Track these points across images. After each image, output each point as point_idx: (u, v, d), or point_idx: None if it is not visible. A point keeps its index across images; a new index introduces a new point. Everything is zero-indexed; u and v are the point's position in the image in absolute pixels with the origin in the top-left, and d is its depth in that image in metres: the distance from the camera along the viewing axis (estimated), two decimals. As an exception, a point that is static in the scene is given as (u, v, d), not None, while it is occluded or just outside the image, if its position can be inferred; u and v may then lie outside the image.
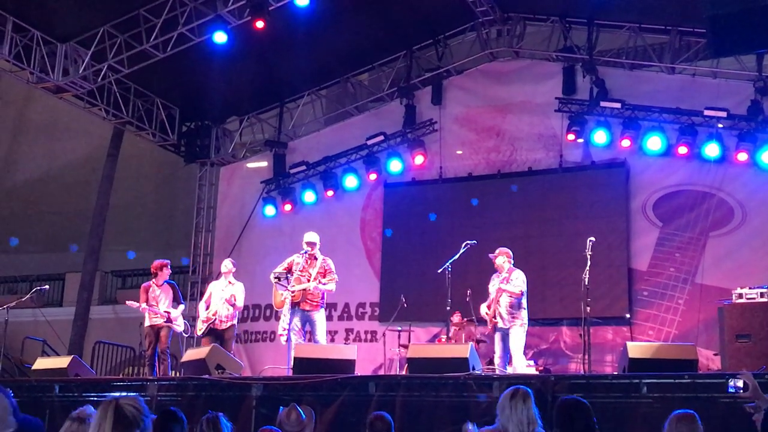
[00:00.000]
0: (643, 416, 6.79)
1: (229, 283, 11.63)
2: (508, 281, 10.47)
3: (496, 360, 10.58)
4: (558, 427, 5.04)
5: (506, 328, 10.43)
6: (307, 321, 10.67)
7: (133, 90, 15.29)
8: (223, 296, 11.48)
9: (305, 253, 10.74)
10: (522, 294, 10.48)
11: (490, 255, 10.77)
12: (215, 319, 11.39)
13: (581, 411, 5.05)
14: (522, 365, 10.34)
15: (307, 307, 10.59)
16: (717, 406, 6.59)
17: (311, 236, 10.89)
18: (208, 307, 11.55)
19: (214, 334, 11.37)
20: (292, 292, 10.52)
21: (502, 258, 10.66)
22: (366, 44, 15.29)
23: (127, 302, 12.23)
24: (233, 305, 11.45)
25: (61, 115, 21.53)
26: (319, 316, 10.71)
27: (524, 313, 10.52)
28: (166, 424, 4.39)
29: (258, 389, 8.89)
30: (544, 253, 13.59)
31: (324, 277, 10.64)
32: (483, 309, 10.75)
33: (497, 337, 10.58)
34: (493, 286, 10.67)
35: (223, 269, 11.83)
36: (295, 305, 10.54)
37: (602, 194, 13.70)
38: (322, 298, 10.76)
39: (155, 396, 9.35)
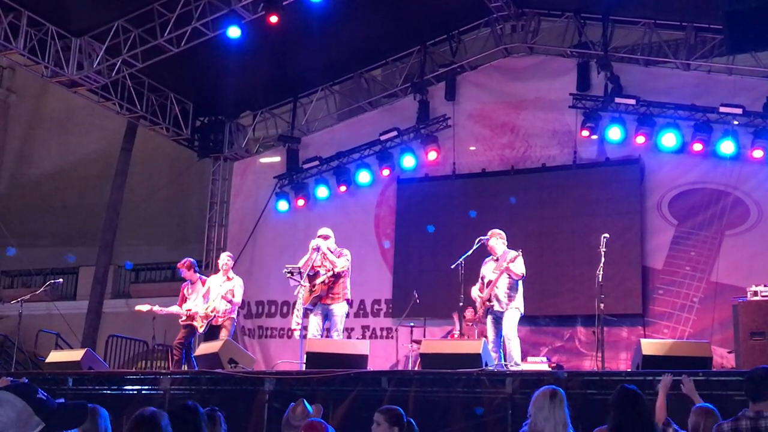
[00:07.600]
0: (657, 413, 6.74)
1: (228, 278, 11.41)
2: (513, 261, 9.97)
3: (489, 345, 9.91)
4: (615, 411, 5.21)
5: (501, 311, 9.99)
6: (327, 315, 10.51)
7: (147, 84, 15.31)
8: (220, 292, 11.27)
9: (318, 248, 10.67)
10: (522, 276, 10.06)
11: (482, 238, 10.37)
12: (213, 316, 11.19)
13: (642, 404, 5.21)
14: (517, 348, 9.90)
15: (328, 301, 10.44)
16: (731, 404, 6.54)
17: (323, 231, 10.83)
18: (206, 303, 11.33)
19: (212, 330, 11.19)
20: (313, 286, 10.48)
21: (496, 239, 10.23)
22: (379, 39, 15.27)
23: (136, 308, 12.16)
24: (230, 301, 11.24)
25: (75, 110, 21.66)
26: (338, 309, 10.48)
27: (520, 298, 10.09)
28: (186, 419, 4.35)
29: (271, 384, 8.90)
30: (558, 250, 13.54)
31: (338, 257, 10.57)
32: (474, 291, 10.32)
33: (490, 321, 10.14)
34: (487, 268, 10.25)
35: (221, 264, 11.64)
36: (316, 301, 10.47)
37: (617, 191, 13.63)
38: (345, 288, 10.56)
39: (168, 390, 9.39)
